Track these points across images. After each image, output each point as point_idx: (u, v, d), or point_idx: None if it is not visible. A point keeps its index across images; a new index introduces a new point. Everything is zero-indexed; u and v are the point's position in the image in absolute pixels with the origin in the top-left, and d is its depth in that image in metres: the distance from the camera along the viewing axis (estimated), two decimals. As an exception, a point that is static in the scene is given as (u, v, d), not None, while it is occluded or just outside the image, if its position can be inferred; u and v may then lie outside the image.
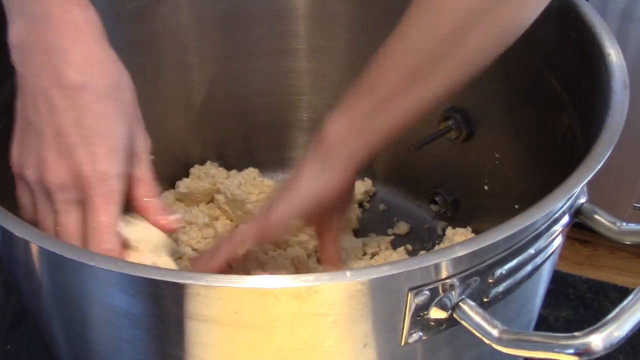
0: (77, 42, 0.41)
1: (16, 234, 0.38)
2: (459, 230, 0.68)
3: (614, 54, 0.50)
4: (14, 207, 0.44)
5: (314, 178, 0.49)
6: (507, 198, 0.63)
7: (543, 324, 0.65)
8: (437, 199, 0.71)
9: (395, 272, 0.35)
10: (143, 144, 0.45)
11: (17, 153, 0.45)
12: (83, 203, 0.43)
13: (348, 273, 0.35)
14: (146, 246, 0.45)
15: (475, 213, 0.69)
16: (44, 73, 0.42)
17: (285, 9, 0.66)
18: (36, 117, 0.43)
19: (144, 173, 0.46)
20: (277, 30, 0.66)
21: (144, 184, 0.46)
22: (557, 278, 0.69)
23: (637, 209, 1.22)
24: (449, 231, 0.69)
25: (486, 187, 0.67)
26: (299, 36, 0.67)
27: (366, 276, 0.35)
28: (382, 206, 0.74)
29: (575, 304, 0.67)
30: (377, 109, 0.47)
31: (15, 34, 0.43)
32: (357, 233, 0.71)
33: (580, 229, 0.45)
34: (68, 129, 0.41)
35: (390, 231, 0.71)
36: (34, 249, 0.40)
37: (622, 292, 0.68)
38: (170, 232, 0.47)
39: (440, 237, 0.70)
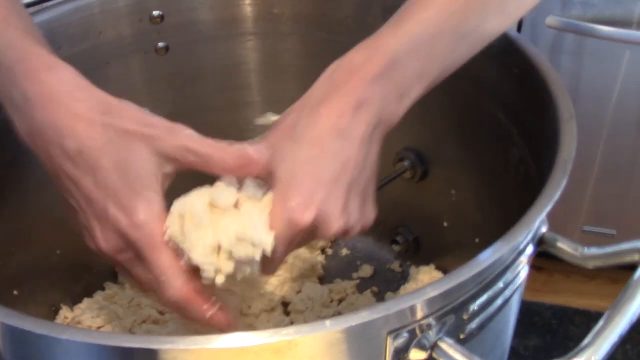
0: (57, 110, 0.41)
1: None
2: (423, 268, 0.69)
3: (556, 86, 0.52)
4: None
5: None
6: (466, 233, 0.64)
7: (513, 355, 0.66)
8: (398, 238, 0.72)
9: (374, 317, 0.35)
10: (167, 141, 0.42)
11: (84, 237, 0.44)
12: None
13: (327, 322, 0.35)
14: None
15: (437, 250, 0.70)
16: (52, 153, 0.42)
17: (235, 64, 0.67)
18: (69, 195, 0.43)
19: (200, 153, 0.42)
20: (229, 84, 0.67)
21: (209, 161, 0.42)
22: (521, 307, 0.70)
23: (587, 233, 1.26)
24: (413, 270, 0.70)
25: (445, 224, 0.68)
26: (251, 89, 0.67)
27: (346, 324, 0.35)
28: (344, 251, 0.74)
29: (542, 331, 0.68)
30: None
31: (17, 128, 0.43)
32: (322, 280, 0.71)
33: (535, 257, 0.47)
34: (92, 195, 0.41)
35: (355, 275, 0.71)
36: (-2, 327, 0.38)
37: (586, 316, 0.70)
38: None
39: (405, 276, 0.71)
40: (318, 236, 0.44)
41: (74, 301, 0.66)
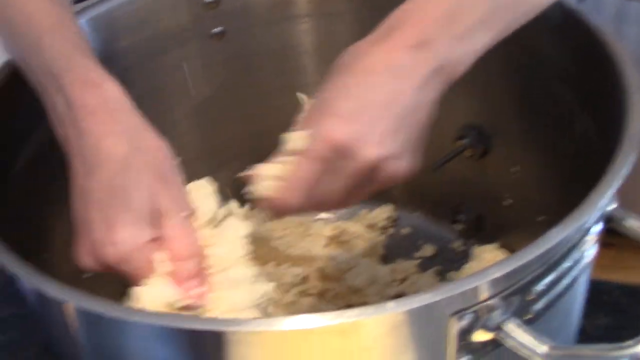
0: (95, 124, 0.42)
1: (54, 295, 0.38)
2: (486, 247, 0.68)
3: (621, 57, 0.50)
4: (43, 269, 0.44)
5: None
6: (529, 211, 0.63)
7: (582, 334, 0.64)
8: (459, 217, 0.71)
9: (437, 298, 0.35)
10: (169, 202, 0.43)
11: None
12: None
13: (390, 304, 0.35)
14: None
15: (500, 228, 0.68)
16: (79, 169, 0.43)
17: (291, 47, 0.67)
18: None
19: (174, 231, 0.43)
20: (285, 67, 0.67)
21: (174, 242, 0.43)
22: (590, 285, 0.69)
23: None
24: (476, 249, 0.69)
25: (507, 202, 0.67)
26: (306, 72, 0.67)
27: (408, 305, 0.35)
28: (405, 230, 0.73)
29: (611, 310, 0.67)
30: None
31: (55, 130, 0.45)
32: (384, 259, 0.70)
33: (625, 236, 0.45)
34: (88, 215, 0.42)
35: (416, 254, 0.71)
36: (71, 310, 0.40)
37: (657, 294, 0.67)
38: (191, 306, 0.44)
39: (468, 255, 0.70)
40: (350, 166, 0.40)
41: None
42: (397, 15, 0.42)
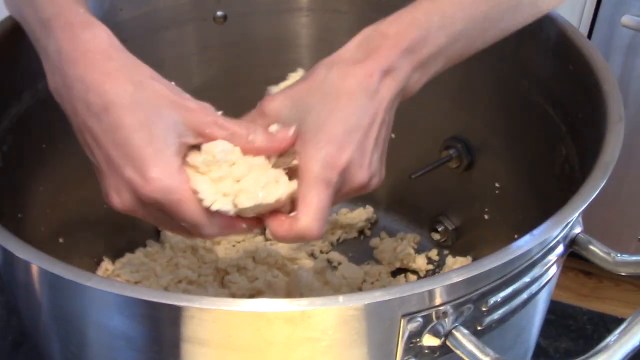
0: (88, 66, 0.42)
1: (17, 254, 0.39)
2: (459, 259, 0.69)
3: (609, 86, 0.50)
4: (16, 228, 0.45)
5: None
6: (506, 228, 0.64)
7: (543, 354, 0.65)
8: (438, 227, 0.72)
9: (388, 297, 0.36)
10: (201, 113, 0.43)
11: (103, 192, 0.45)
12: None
13: (341, 298, 0.35)
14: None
15: (476, 242, 0.69)
16: (78, 108, 0.42)
17: (289, 38, 0.67)
18: (90, 152, 0.44)
19: (226, 128, 0.43)
20: (281, 59, 0.67)
21: (235, 136, 0.43)
22: (557, 309, 0.69)
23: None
24: (449, 260, 0.69)
25: (486, 217, 0.67)
26: (302, 65, 0.67)
27: (359, 301, 0.36)
28: (383, 234, 0.74)
29: (575, 335, 0.67)
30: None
31: (48, 80, 0.44)
32: (357, 261, 0.71)
33: (586, 261, 0.46)
34: (111, 153, 0.42)
35: (390, 259, 0.71)
36: (34, 270, 0.41)
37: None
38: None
39: (441, 265, 0.70)
40: (345, 189, 0.44)
41: (116, 255, 0.68)
42: (372, 39, 0.45)
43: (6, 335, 0.65)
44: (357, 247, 0.73)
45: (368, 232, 0.74)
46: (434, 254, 0.72)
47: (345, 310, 0.36)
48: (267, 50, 0.67)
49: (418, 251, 0.72)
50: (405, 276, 0.69)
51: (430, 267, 0.70)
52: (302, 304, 0.35)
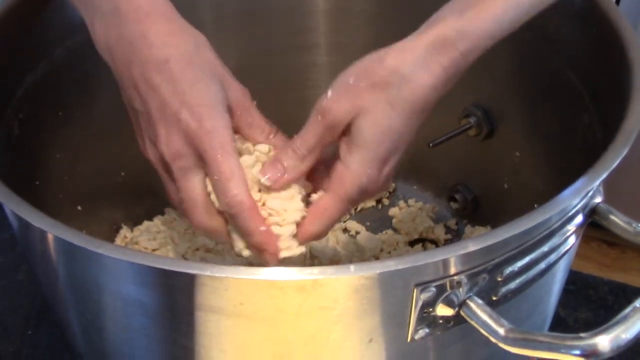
0: (151, 25, 0.43)
1: (33, 223, 0.39)
2: (478, 228, 0.68)
3: (635, 53, 0.49)
4: (34, 196, 0.45)
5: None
6: (526, 198, 0.62)
7: (561, 325, 0.64)
8: (456, 196, 0.71)
9: (401, 267, 0.35)
10: (240, 94, 0.46)
11: (141, 145, 0.47)
12: (202, 165, 0.44)
13: (352, 267, 0.35)
14: (286, 216, 0.45)
15: (495, 212, 0.68)
16: (134, 62, 0.44)
17: (306, 4, 0.66)
18: (141, 102, 0.45)
19: (254, 118, 0.46)
20: (297, 26, 0.66)
21: (257, 128, 0.46)
22: (578, 279, 0.68)
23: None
24: (468, 229, 0.69)
25: (506, 186, 0.66)
26: (318, 32, 0.67)
27: (371, 270, 0.35)
28: (401, 203, 0.73)
29: (595, 305, 0.66)
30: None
31: (98, 35, 0.45)
32: (375, 230, 0.71)
33: (608, 231, 0.45)
34: (168, 100, 0.43)
35: (408, 228, 0.71)
36: (50, 238, 0.41)
37: (645, 295, 0.67)
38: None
39: (460, 234, 0.70)
40: (359, 200, 0.46)
41: (134, 222, 0.69)
42: (438, 43, 0.43)
43: (34, 302, 0.66)
44: (375, 216, 0.72)
45: (386, 201, 0.74)
46: (452, 223, 0.71)
47: (357, 279, 0.36)
48: (283, 18, 0.66)
49: (436, 221, 0.71)
50: (424, 245, 0.69)
51: (449, 236, 0.70)
52: (314, 272, 0.35)
